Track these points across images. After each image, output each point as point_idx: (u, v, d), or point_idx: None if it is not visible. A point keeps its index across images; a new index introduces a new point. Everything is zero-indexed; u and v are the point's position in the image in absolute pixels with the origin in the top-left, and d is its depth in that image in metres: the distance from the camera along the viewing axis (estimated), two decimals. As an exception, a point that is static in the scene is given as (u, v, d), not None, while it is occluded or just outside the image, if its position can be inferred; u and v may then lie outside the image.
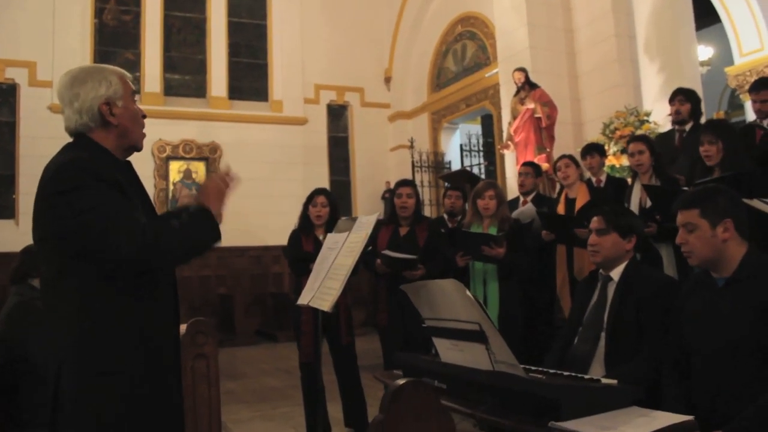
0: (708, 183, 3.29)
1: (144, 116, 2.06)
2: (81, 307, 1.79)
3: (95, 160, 1.84)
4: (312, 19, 14.02)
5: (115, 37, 12.72)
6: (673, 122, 5.32)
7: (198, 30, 13.36)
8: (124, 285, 1.82)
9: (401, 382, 1.45)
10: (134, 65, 12.55)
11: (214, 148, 12.76)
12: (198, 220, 1.93)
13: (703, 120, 5.41)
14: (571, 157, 5.19)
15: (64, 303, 1.80)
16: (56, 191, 1.76)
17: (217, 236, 1.95)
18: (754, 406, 2.03)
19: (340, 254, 2.77)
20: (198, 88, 13.27)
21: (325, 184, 13.00)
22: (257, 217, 11.98)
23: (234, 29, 13.62)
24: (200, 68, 13.31)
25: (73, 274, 1.80)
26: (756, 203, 3.17)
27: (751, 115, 9.11)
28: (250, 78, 13.75)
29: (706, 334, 2.28)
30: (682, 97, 5.19)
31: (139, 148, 2.05)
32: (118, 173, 1.87)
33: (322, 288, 2.74)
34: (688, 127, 5.17)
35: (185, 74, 13.25)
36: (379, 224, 4.50)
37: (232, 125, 12.73)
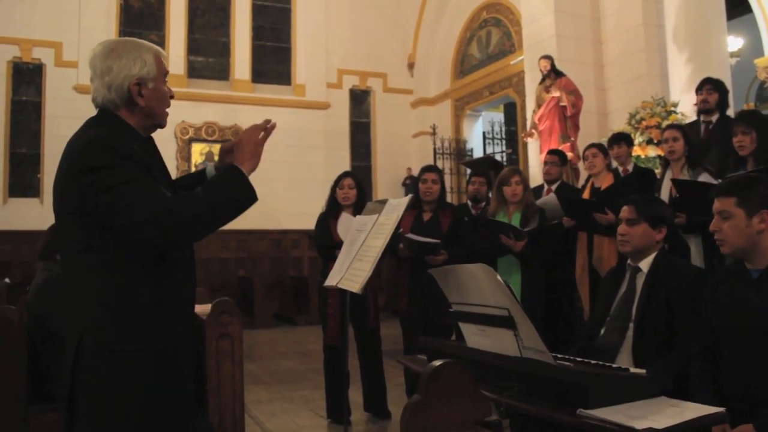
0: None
1: (172, 96, 2.04)
2: (103, 283, 1.79)
3: (122, 138, 1.83)
4: (336, 3, 13.99)
5: (140, 19, 12.77)
6: (699, 111, 5.24)
7: (222, 12, 13.38)
8: (147, 263, 1.83)
9: (438, 363, 1.45)
10: (158, 47, 12.57)
11: (237, 131, 12.78)
12: (227, 183, 1.89)
13: (729, 112, 5.33)
14: (599, 146, 5.13)
15: (86, 278, 1.80)
16: (86, 167, 1.75)
17: (252, 196, 1.89)
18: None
19: (369, 236, 2.77)
20: (221, 71, 13.30)
21: (346, 169, 12.96)
22: (278, 200, 11.99)
23: (258, 12, 13.63)
24: (224, 51, 13.34)
25: (96, 249, 1.79)
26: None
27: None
28: (273, 61, 13.75)
29: (740, 324, 2.25)
30: (711, 86, 5.11)
31: (162, 126, 2.04)
32: (142, 151, 1.86)
33: (351, 269, 2.74)
34: (714, 118, 5.10)
35: (209, 57, 13.28)
36: (402, 209, 4.50)
37: (255, 108, 12.74)
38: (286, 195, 12.33)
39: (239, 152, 1.96)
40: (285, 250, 13.23)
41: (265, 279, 11.81)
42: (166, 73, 2.03)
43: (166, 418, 1.85)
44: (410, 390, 4.84)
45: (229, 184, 1.89)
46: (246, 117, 12.70)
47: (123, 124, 1.90)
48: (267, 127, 2.03)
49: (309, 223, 9.87)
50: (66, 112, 11.01)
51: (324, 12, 13.90)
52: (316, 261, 12.63)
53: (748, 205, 2.26)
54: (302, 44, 13.79)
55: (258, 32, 13.61)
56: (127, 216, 1.73)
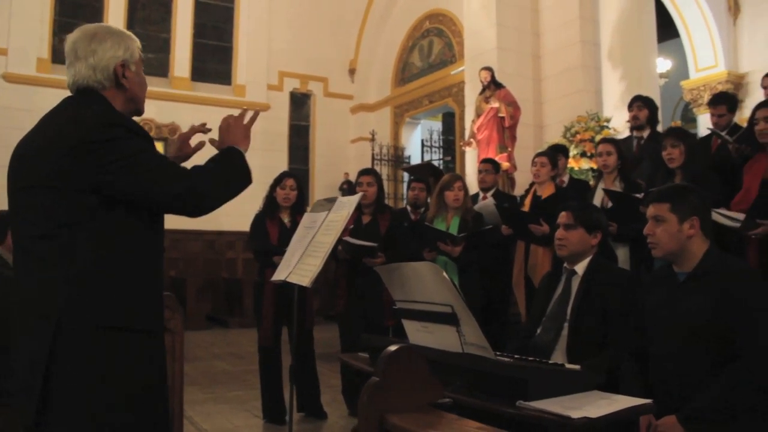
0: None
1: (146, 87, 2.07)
2: (89, 260, 1.74)
3: (122, 115, 1.86)
4: (279, 5, 13.94)
5: (75, 9, 12.40)
6: (631, 128, 5.48)
7: (163, 8, 13.14)
8: (138, 240, 1.84)
9: (395, 347, 1.50)
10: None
11: (174, 129, 12.59)
12: (233, 161, 1.96)
13: (659, 128, 5.58)
14: (548, 156, 5.24)
15: (69, 255, 1.74)
16: (99, 140, 1.75)
17: (250, 176, 1.98)
18: (707, 391, 2.17)
19: (319, 232, 2.80)
20: (160, 67, 13.05)
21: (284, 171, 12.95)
22: (214, 201, 11.79)
23: (200, 9, 13.44)
24: (164, 47, 13.10)
25: (77, 225, 1.75)
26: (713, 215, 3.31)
27: (702, 129, 9.43)
28: (214, 60, 13.59)
29: (667, 324, 2.39)
30: (641, 103, 5.35)
31: (141, 113, 2.07)
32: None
33: (301, 264, 2.76)
34: (645, 134, 5.33)
35: (148, 52, 12.96)
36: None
37: (194, 107, 12.53)
38: (222, 195, 12.16)
39: (230, 135, 2.03)
40: (219, 252, 13.06)
41: (198, 280, 11.63)
42: (143, 61, 2.08)
43: (151, 400, 1.83)
44: (346, 390, 4.88)
45: (236, 162, 1.96)
46: (184, 115, 12.48)
47: (112, 105, 1.91)
48: (250, 116, 2.11)
49: (245, 225, 9.77)
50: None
51: (267, 13, 13.82)
52: (250, 263, 12.51)
53: (680, 211, 2.41)
54: (244, 44, 13.67)
55: (200, 30, 13.42)
56: (163, 187, 1.79)
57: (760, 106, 3.74)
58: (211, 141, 2.14)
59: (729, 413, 2.17)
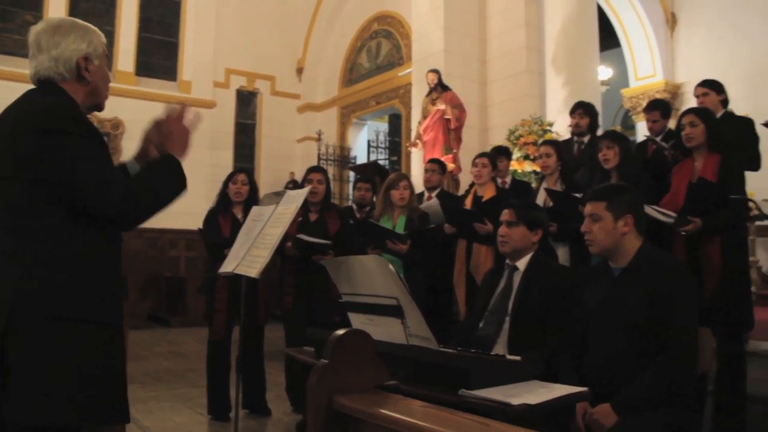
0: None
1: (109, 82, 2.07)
2: (47, 251, 1.74)
3: (80, 110, 1.84)
4: (228, 2, 13.79)
5: (16, -3, 12.05)
6: (573, 134, 5.64)
7: (108, 0, 12.86)
8: (95, 234, 1.83)
9: (343, 331, 1.54)
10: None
11: (117, 124, 12.32)
12: (168, 170, 1.94)
13: (599, 134, 5.76)
14: (489, 157, 5.34)
15: (23, 245, 1.73)
16: (49, 129, 1.74)
17: (185, 184, 1.97)
18: (638, 380, 2.28)
19: (267, 224, 2.81)
20: (103, 61, 12.74)
21: (229, 170, 12.78)
22: (157, 198, 11.61)
23: (146, 3, 13.17)
24: (107, 40, 12.76)
25: (43, 215, 1.75)
26: (647, 209, 3.46)
27: (641, 136, 9.76)
28: (159, 55, 13.33)
29: (603, 317, 2.50)
30: (582, 111, 5.50)
31: (101, 108, 2.06)
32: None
33: (249, 256, 2.77)
34: (585, 139, 5.50)
35: (91, 45, 12.69)
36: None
37: (137, 102, 12.27)
38: (166, 192, 11.98)
39: (169, 143, 2.01)
40: (162, 250, 12.83)
41: (139, 278, 11.41)
42: (107, 56, 2.06)
43: (105, 391, 1.81)
44: (290, 386, 4.89)
45: (171, 171, 1.95)
46: (128, 110, 12.20)
47: (71, 97, 1.90)
48: (188, 116, 2.09)
49: (190, 223, 9.64)
50: None
51: (215, 9, 13.62)
52: (193, 261, 12.37)
53: (615, 209, 2.53)
54: (190, 40, 13.46)
55: (145, 24, 13.15)
56: (99, 192, 1.75)
57: (685, 113, 3.91)
58: (150, 143, 2.11)
59: (658, 401, 2.29)
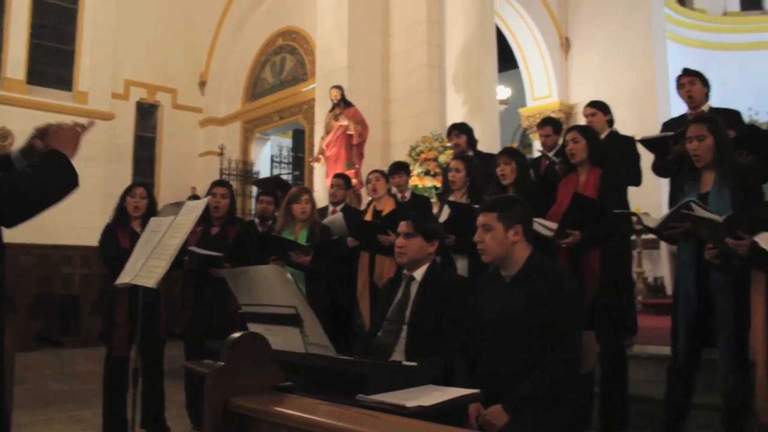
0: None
1: None
2: None
3: None
4: (128, 11, 13.39)
5: None
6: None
7: (-4, 5, 12.26)
8: None
9: (239, 334, 1.55)
10: None
11: (5, 135, 11.70)
12: (54, 165, 1.87)
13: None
14: (381, 172, 5.48)
15: None
16: None
17: (76, 180, 1.90)
18: (527, 382, 2.39)
19: (166, 235, 2.78)
20: (-10, 68, 12.13)
21: (127, 183, 12.40)
22: (49, 212, 10.97)
23: (39, 9, 12.58)
24: (-6, 45, 12.19)
25: None
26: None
27: (537, 153, 10.19)
28: (53, 64, 12.74)
29: (495, 322, 2.61)
30: (456, 131, 5.66)
31: None
32: None
33: (146, 267, 2.73)
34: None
35: (-24, 50, 12.07)
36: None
37: (29, 112, 11.67)
38: (59, 207, 11.38)
39: (57, 139, 1.96)
40: (54, 267, 12.23)
41: (29, 297, 10.87)
42: None
43: None
44: (190, 403, 4.79)
45: (57, 166, 1.89)
46: (18, 120, 11.60)
47: None
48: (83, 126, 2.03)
49: (84, 239, 9.27)
50: None
51: (114, 18, 13.20)
52: (88, 278, 11.88)
53: (506, 219, 2.65)
54: (88, 49, 12.95)
55: (37, 30, 12.55)
56: None
57: (569, 130, 4.15)
58: (37, 143, 2.05)
59: (546, 400, 2.41)
